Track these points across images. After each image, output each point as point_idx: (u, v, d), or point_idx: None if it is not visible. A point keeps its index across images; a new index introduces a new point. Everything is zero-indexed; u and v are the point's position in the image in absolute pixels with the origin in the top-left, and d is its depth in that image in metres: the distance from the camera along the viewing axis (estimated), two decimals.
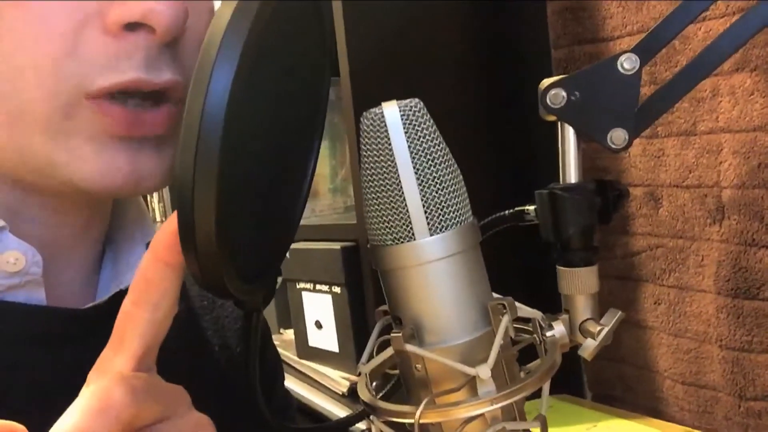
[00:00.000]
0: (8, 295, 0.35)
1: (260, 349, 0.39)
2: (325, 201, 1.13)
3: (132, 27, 0.32)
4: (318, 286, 1.00)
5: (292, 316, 1.09)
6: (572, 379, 0.88)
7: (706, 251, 0.69)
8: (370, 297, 0.90)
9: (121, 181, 0.34)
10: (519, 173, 0.90)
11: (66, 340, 0.37)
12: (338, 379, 0.97)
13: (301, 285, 1.04)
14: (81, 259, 0.40)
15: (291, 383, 1.05)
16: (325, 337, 1.01)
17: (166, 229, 0.28)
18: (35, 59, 0.31)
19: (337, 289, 0.95)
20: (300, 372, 1.07)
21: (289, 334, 1.19)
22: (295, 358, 1.10)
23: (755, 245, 0.63)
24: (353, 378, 0.95)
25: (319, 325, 1.02)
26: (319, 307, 1.01)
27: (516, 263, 0.82)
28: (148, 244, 0.41)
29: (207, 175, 0.28)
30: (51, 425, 0.35)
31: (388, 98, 0.31)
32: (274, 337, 1.25)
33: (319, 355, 1.03)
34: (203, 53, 0.28)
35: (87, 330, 0.38)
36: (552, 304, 0.36)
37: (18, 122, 0.32)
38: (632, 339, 0.78)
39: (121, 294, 0.39)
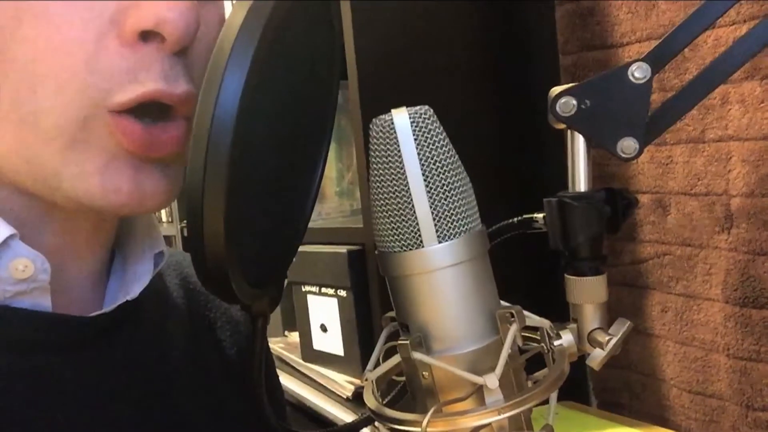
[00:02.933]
0: (14, 301, 0.35)
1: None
2: (332, 204, 1.13)
3: (145, 37, 0.32)
4: (324, 290, 1.00)
5: (298, 319, 1.09)
6: (578, 387, 0.87)
7: (714, 260, 0.68)
8: (376, 301, 0.90)
9: (124, 200, 0.34)
10: (528, 181, 0.90)
11: (71, 348, 0.37)
12: (343, 383, 0.97)
13: (307, 288, 1.04)
14: (88, 267, 0.40)
15: (295, 386, 1.05)
16: (330, 341, 1.01)
17: None
18: (55, 69, 0.31)
19: (342, 293, 0.95)
20: (304, 375, 1.07)
21: (294, 337, 1.19)
22: (300, 361, 1.10)
23: (764, 254, 0.63)
24: (358, 382, 0.95)
25: (324, 328, 1.02)
26: (324, 311, 1.00)
27: (524, 271, 0.82)
28: (156, 255, 0.42)
29: (216, 181, 0.28)
30: None
31: (395, 102, 0.31)
32: (279, 339, 1.26)
33: (324, 359, 1.03)
34: (213, 61, 0.28)
35: (92, 338, 0.38)
36: (560, 312, 0.36)
37: (31, 129, 0.32)
38: (639, 347, 0.78)
39: (128, 304, 0.39)
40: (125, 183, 0.34)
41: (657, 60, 0.34)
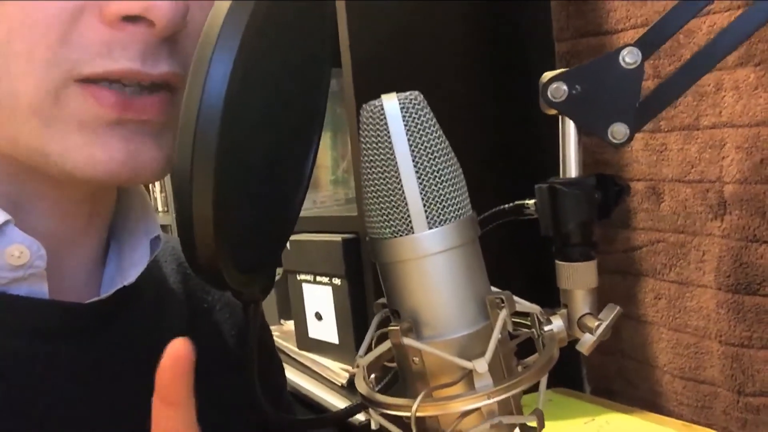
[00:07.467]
0: (11, 288, 0.35)
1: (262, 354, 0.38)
2: (326, 192, 1.13)
3: (131, 19, 0.32)
4: (318, 278, 1.00)
5: (293, 308, 1.09)
6: (571, 373, 0.88)
7: (707, 246, 0.68)
8: (371, 289, 0.90)
9: (117, 169, 0.34)
10: (519, 167, 0.90)
11: (68, 335, 0.37)
12: (338, 370, 0.97)
13: (302, 276, 1.04)
14: (84, 253, 0.40)
15: (291, 374, 1.05)
16: (325, 329, 1.01)
17: (162, 366, 0.25)
18: (29, 46, 0.31)
19: (337, 281, 0.95)
20: (300, 363, 1.08)
21: (290, 325, 1.19)
22: (295, 349, 1.10)
23: (756, 241, 0.63)
24: (352, 369, 0.95)
25: (319, 316, 1.02)
26: (319, 299, 1.01)
27: (515, 257, 0.82)
28: (152, 240, 0.42)
29: (205, 166, 0.28)
30: (51, 419, 0.35)
31: (390, 89, 0.31)
32: (274, 327, 1.26)
33: (319, 347, 1.04)
34: (201, 44, 0.28)
35: (89, 325, 0.38)
36: (551, 298, 0.36)
37: (11, 110, 0.32)
38: (632, 333, 0.78)
39: (125, 289, 0.39)
40: (117, 150, 0.33)
41: (648, 45, 0.34)
